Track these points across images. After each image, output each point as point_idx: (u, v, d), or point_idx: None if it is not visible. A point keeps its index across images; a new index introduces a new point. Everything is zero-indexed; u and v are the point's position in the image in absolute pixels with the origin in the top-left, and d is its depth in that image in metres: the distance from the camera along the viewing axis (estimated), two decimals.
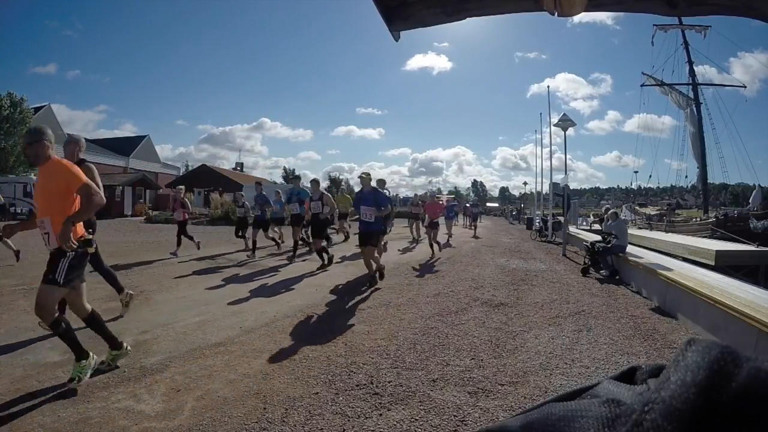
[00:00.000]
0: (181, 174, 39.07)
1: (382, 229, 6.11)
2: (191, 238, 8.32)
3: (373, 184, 5.94)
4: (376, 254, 5.96)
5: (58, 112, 32.55)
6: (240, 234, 9.14)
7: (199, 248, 8.36)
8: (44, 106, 29.55)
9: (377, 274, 5.94)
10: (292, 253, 8.01)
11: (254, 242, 8.53)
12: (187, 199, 8.76)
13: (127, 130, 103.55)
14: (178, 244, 8.11)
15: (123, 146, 37.46)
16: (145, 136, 39.44)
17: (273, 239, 9.22)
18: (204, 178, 31.25)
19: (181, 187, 9.20)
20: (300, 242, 8.55)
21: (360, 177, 5.95)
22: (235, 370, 2.87)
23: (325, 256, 7.08)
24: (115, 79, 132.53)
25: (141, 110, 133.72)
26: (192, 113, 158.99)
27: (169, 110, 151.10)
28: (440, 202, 11.96)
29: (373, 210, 5.60)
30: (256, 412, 2.33)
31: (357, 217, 5.98)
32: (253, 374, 2.82)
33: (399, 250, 9.85)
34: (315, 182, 7.45)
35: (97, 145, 37.11)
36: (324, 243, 7.50)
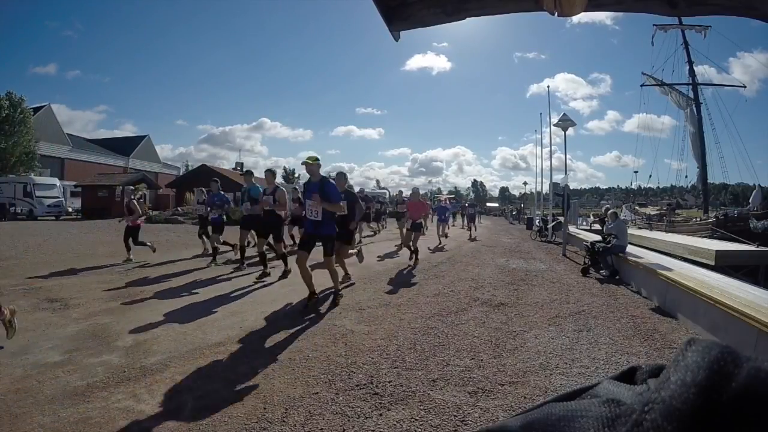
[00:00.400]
0: (181, 174, 39.07)
1: (335, 233, 4.70)
2: (129, 248, 7.30)
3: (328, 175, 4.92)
4: (335, 264, 4.72)
5: (58, 112, 32.64)
6: (201, 235, 8.01)
7: (154, 251, 7.69)
8: (44, 106, 29.56)
9: (335, 297, 4.68)
10: (239, 260, 6.83)
11: (215, 248, 7.37)
12: (136, 203, 7.45)
13: (127, 130, 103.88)
14: (143, 244, 7.49)
15: (123, 146, 37.51)
16: (145, 136, 39.53)
17: (228, 243, 7.74)
18: (204, 178, 31.12)
19: (130, 187, 7.95)
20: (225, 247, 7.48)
21: (304, 163, 4.40)
22: (235, 370, 2.87)
23: (269, 263, 5.96)
24: (115, 79, 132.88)
25: (141, 110, 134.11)
26: (192, 113, 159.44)
27: (169, 110, 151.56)
28: (426, 202, 9.65)
29: (318, 204, 4.34)
30: (256, 412, 2.33)
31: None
32: (253, 374, 2.82)
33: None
34: (269, 173, 6.25)
35: (97, 145, 37.18)
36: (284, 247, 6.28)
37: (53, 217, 19.36)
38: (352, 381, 2.75)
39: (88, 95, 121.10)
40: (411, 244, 7.81)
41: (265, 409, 2.36)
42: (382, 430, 2.19)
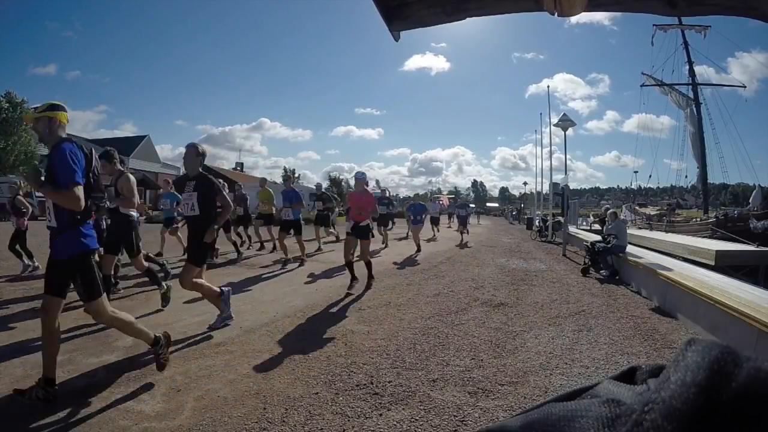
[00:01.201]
0: (181, 174, 39.08)
1: (78, 252, 2.39)
2: (20, 255, 5.95)
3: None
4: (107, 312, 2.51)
5: None
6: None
7: (34, 269, 5.93)
8: None
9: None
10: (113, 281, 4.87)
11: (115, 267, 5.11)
12: (23, 199, 5.98)
13: (127, 130, 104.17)
14: (29, 255, 6.06)
15: (123, 146, 37.37)
16: (145, 136, 39.44)
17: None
18: None
19: (15, 180, 5.92)
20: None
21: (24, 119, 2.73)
22: (235, 370, 2.87)
23: (161, 281, 4.49)
24: (115, 79, 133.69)
25: (141, 110, 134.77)
26: (191, 113, 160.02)
27: (168, 110, 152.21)
28: (371, 193, 5.74)
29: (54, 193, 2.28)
30: (256, 412, 2.33)
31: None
32: (253, 374, 2.82)
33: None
34: (108, 154, 4.33)
35: (97, 145, 37.14)
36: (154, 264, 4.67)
37: None
38: (352, 381, 2.75)
39: (88, 95, 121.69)
40: (359, 256, 5.51)
41: (265, 409, 2.36)
42: (382, 430, 2.19)
